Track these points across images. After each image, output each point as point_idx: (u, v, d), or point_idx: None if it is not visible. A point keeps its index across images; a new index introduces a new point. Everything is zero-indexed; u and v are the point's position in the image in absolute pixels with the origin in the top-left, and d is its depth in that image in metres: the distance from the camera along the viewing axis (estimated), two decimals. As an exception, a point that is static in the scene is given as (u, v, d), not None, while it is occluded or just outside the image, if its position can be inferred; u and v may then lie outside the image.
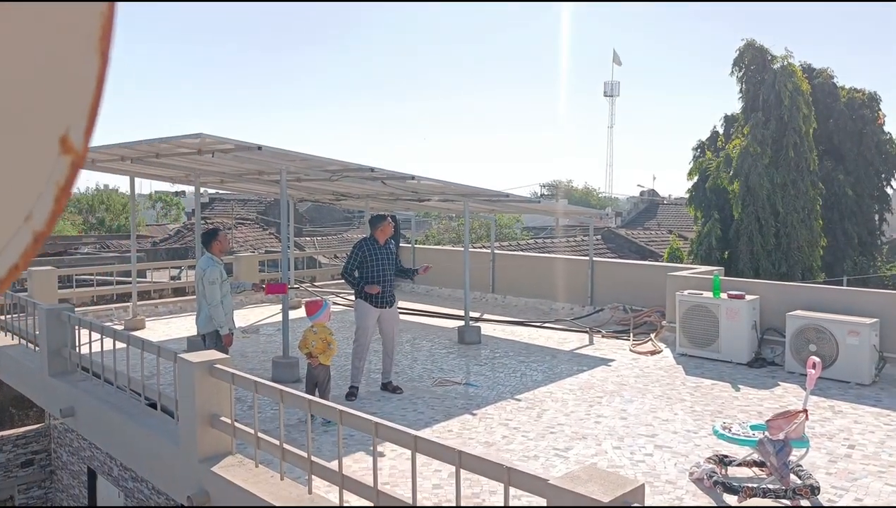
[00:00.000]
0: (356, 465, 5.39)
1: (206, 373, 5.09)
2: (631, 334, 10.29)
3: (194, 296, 7.27)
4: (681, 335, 9.21)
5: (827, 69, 22.63)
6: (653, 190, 48.90)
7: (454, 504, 3.66)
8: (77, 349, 7.61)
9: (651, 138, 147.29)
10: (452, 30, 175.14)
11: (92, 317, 9.97)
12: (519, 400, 7.30)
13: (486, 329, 10.86)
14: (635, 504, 3.08)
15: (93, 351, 7.19)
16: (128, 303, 12.14)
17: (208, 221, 25.88)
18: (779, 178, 19.31)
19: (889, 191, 23.19)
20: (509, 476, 3.31)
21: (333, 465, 4.25)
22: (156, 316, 12.37)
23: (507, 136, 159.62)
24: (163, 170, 10.92)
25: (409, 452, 3.81)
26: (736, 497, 4.80)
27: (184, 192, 48.74)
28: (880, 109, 22.48)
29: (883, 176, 22.64)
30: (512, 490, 3.35)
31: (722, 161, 20.44)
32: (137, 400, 6.52)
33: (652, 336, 10.00)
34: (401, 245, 15.97)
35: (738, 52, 20.98)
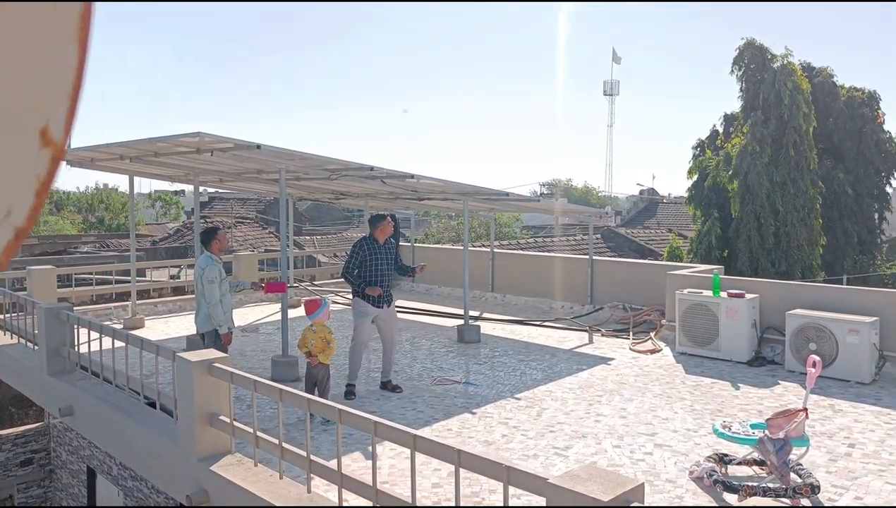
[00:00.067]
0: (355, 464, 5.38)
1: (204, 372, 5.08)
2: (631, 333, 10.29)
3: (193, 295, 7.27)
4: (680, 334, 9.20)
5: (826, 68, 22.63)
6: (652, 189, 48.95)
7: (453, 504, 3.65)
8: (76, 348, 7.59)
9: (651, 137, 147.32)
10: (452, 30, 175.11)
11: (91, 316, 9.96)
12: (518, 399, 7.30)
13: (486, 328, 10.85)
14: (635, 503, 3.07)
15: (92, 350, 7.18)
16: (127, 302, 12.13)
17: (208, 220, 25.87)
18: (778, 177, 19.30)
19: (889, 189, 23.19)
20: (508, 475, 3.30)
21: (332, 464, 4.24)
22: (155, 315, 12.36)
23: (506, 136, 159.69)
24: (162, 169, 10.91)
25: (408, 451, 3.80)
26: (736, 496, 4.79)
27: (183, 191, 48.76)
28: (880, 108, 22.47)
29: (883, 174, 22.64)
30: (511, 490, 3.34)
31: (721, 160, 20.43)
32: (136, 399, 6.51)
33: (652, 334, 10.00)
34: (400, 243, 15.97)
35: (737, 51, 20.96)
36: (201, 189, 12.49)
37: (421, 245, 17.77)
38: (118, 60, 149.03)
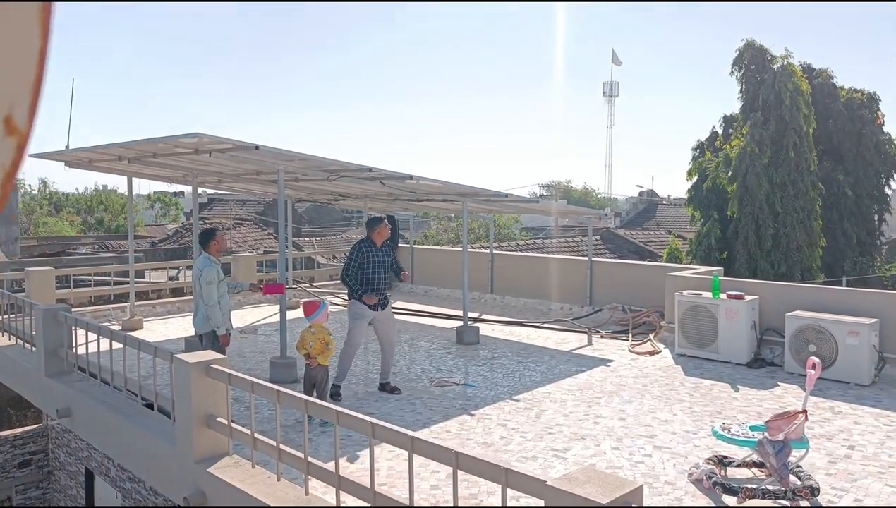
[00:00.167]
0: (353, 466, 5.37)
1: (202, 374, 5.06)
2: (630, 334, 10.27)
3: (192, 297, 7.25)
4: (680, 335, 9.19)
5: (826, 69, 22.64)
6: (652, 190, 48.95)
7: (451, 505, 3.64)
8: (74, 349, 7.58)
9: (650, 139, 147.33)
10: (452, 31, 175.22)
11: (89, 318, 9.95)
12: (517, 401, 7.28)
13: (485, 329, 10.84)
14: (634, 506, 3.05)
15: (89, 351, 7.17)
16: (125, 304, 12.12)
17: (207, 221, 25.87)
18: (778, 178, 19.30)
19: (888, 191, 23.20)
20: (507, 478, 3.29)
21: (330, 466, 4.23)
22: (154, 317, 12.34)
23: (506, 137, 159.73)
24: (160, 169, 10.90)
25: (407, 453, 3.78)
26: (735, 498, 4.77)
27: (182, 193, 48.73)
28: (879, 109, 22.48)
29: (882, 176, 22.64)
30: (510, 492, 3.33)
31: (721, 161, 20.44)
32: (134, 400, 6.50)
33: (651, 336, 9.98)
34: (400, 245, 15.97)
35: (737, 52, 20.98)
36: (200, 190, 12.48)
37: (420, 246, 17.76)
38: (117, 60, 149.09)
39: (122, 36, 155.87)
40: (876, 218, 22.94)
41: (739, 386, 7.75)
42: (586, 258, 12.72)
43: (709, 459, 5.34)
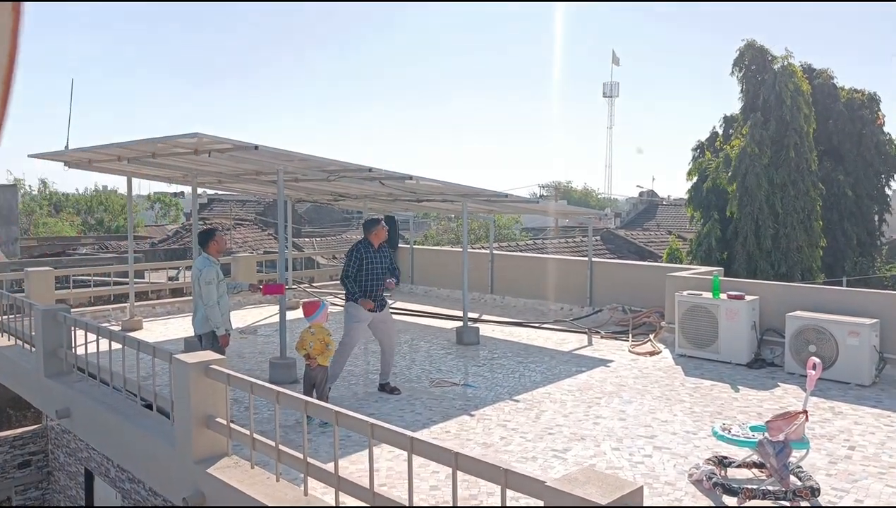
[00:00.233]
0: (353, 467, 5.36)
1: (201, 374, 5.05)
2: (630, 335, 10.26)
3: (192, 297, 7.24)
4: (680, 336, 9.18)
5: (827, 70, 22.64)
6: (652, 190, 48.93)
7: (451, 506, 3.63)
8: (73, 350, 7.57)
9: (650, 139, 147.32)
10: (452, 32, 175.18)
11: (89, 318, 9.94)
12: (517, 401, 7.27)
13: (485, 329, 10.83)
14: (634, 506, 3.04)
15: (89, 351, 7.16)
16: (125, 304, 12.11)
17: (207, 222, 25.86)
18: (778, 179, 19.30)
19: (888, 191, 23.20)
20: (506, 478, 3.27)
21: (329, 467, 4.22)
22: (153, 317, 12.33)
23: (506, 138, 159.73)
24: (159, 170, 10.89)
25: (406, 453, 3.77)
26: (735, 499, 4.76)
27: (182, 193, 48.78)
28: (880, 110, 22.48)
29: (882, 176, 22.64)
30: (509, 492, 3.32)
31: (721, 161, 20.43)
32: (133, 401, 6.49)
33: (651, 336, 9.97)
34: (400, 245, 15.96)
35: (738, 53, 20.98)
36: (200, 191, 12.48)
37: (420, 247, 17.75)
38: (115, 61, 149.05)
39: (122, 36, 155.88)
40: (876, 218, 22.93)
41: (740, 387, 7.74)
42: (586, 258, 12.71)
43: (709, 460, 5.33)
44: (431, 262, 15.42)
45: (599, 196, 76.09)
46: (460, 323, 10.45)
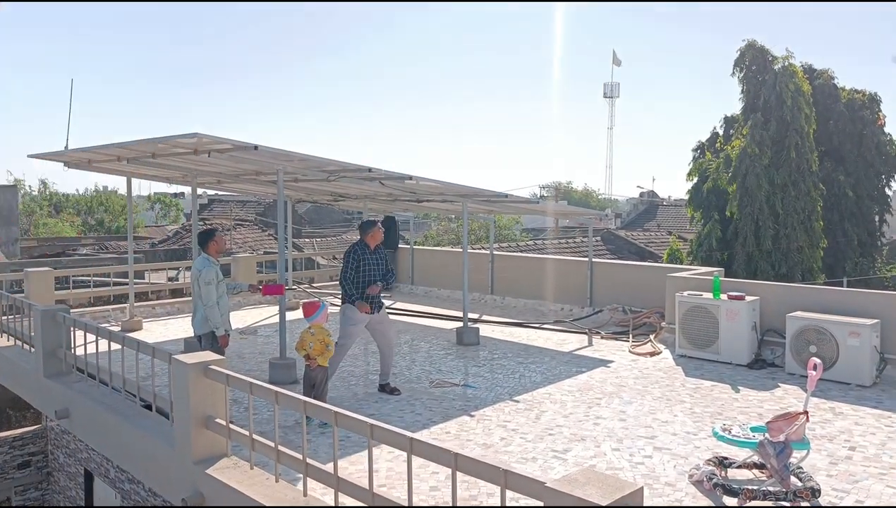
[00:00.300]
0: (352, 467, 5.34)
1: (200, 375, 5.04)
2: (630, 335, 10.25)
3: (191, 298, 7.23)
4: (680, 336, 9.17)
5: (827, 70, 22.65)
6: (652, 191, 48.94)
7: (451, 507, 3.61)
8: (72, 350, 7.56)
9: (651, 140, 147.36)
10: (451, 32, 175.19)
11: (88, 319, 9.94)
12: (517, 402, 7.26)
13: (485, 330, 10.82)
14: (634, 507, 3.03)
15: (88, 352, 7.15)
16: (125, 305, 12.10)
17: (207, 222, 25.86)
18: (779, 179, 19.29)
19: (889, 192, 23.20)
20: (506, 479, 3.26)
21: (329, 467, 4.21)
22: (153, 318, 12.32)
23: (506, 139, 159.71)
24: (159, 170, 10.88)
25: (406, 454, 3.76)
26: (736, 500, 4.75)
27: (182, 194, 48.82)
28: (880, 110, 22.48)
29: (883, 177, 22.64)
30: (509, 493, 3.31)
31: (721, 162, 20.43)
32: (132, 401, 6.47)
33: (651, 337, 9.96)
34: (400, 246, 15.95)
35: (738, 53, 20.98)
36: (200, 191, 12.47)
37: (420, 247, 17.74)
38: (115, 61, 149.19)
39: (122, 36, 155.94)
40: (877, 218, 22.94)
41: (740, 387, 7.73)
42: (587, 259, 12.70)
43: (709, 460, 5.32)
44: (431, 263, 15.41)
45: (600, 196, 76.12)
46: (460, 324, 10.44)
